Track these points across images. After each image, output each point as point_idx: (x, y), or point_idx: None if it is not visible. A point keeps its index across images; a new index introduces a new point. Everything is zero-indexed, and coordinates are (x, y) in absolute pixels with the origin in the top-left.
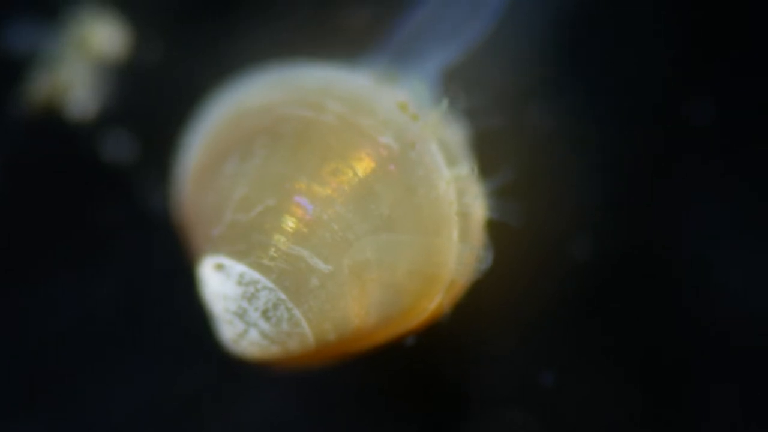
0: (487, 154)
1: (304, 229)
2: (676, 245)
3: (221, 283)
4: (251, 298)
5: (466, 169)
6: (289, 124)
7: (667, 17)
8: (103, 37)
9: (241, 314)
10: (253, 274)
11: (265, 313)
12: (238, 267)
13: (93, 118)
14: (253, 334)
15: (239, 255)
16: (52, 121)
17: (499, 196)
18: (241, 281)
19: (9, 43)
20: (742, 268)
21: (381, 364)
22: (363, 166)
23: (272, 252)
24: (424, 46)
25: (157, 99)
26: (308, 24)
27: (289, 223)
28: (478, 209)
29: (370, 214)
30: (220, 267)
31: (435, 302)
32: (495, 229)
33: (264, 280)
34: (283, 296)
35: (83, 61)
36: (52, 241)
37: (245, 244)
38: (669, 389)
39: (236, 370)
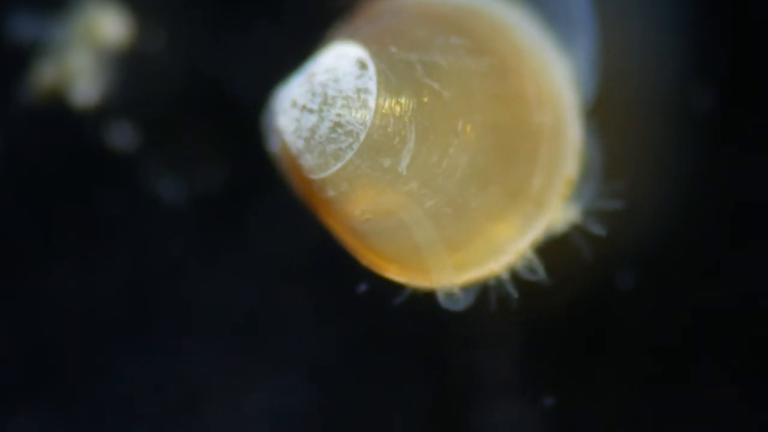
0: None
1: (433, 135)
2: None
3: (347, 72)
4: (346, 107)
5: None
6: (514, 71)
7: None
8: (107, 25)
9: (326, 102)
10: (371, 102)
11: (337, 124)
12: (373, 84)
13: (97, 106)
14: (308, 120)
15: (385, 80)
16: (56, 110)
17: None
18: (359, 90)
19: (14, 32)
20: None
21: (389, 352)
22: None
23: (403, 108)
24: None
25: (160, 87)
26: (313, 9)
27: (433, 123)
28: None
29: (482, 170)
30: (362, 65)
31: (400, 277)
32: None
33: (369, 113)
34: (361, 137)
35: (88, 49)
36: (57, 228)
37: (398, 83)
38: (675, 403)
39: (244, 358)
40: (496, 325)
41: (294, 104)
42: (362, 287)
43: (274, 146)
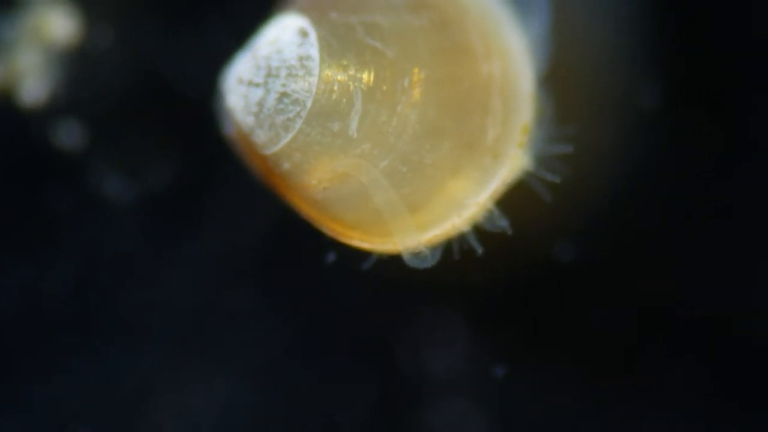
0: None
1: (380, 94)
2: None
3: (289, 42)
4: (291, 76)
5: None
6: (456, 22)
7: None
8: (55, 24)
9: (270, 73)
10: (314, 69)
11: (283, 95)
12: (315, 50)
13: (44, 104)
14: (255, 94)
15: (327, 45)
16: (4, 108)
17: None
18: (301, 58)
19: None
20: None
21: (336, 351)
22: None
23: (347, 71)
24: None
25: (108, 86)
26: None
27: (379, 83)
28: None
29: (432, 131)
30: (304, 33)
31: (356, 242)
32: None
33: (314, 80)
34: (308, 104)
35: (36, 48)
36: (3, 226)
37: (340, 46)
38: (621, 381)
39: (191, 357)
40: (441, 320)
41: (240, 81)
42: (331, 257)
43: (228, 129)
